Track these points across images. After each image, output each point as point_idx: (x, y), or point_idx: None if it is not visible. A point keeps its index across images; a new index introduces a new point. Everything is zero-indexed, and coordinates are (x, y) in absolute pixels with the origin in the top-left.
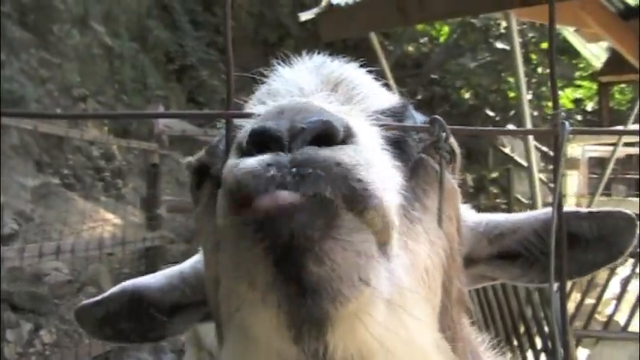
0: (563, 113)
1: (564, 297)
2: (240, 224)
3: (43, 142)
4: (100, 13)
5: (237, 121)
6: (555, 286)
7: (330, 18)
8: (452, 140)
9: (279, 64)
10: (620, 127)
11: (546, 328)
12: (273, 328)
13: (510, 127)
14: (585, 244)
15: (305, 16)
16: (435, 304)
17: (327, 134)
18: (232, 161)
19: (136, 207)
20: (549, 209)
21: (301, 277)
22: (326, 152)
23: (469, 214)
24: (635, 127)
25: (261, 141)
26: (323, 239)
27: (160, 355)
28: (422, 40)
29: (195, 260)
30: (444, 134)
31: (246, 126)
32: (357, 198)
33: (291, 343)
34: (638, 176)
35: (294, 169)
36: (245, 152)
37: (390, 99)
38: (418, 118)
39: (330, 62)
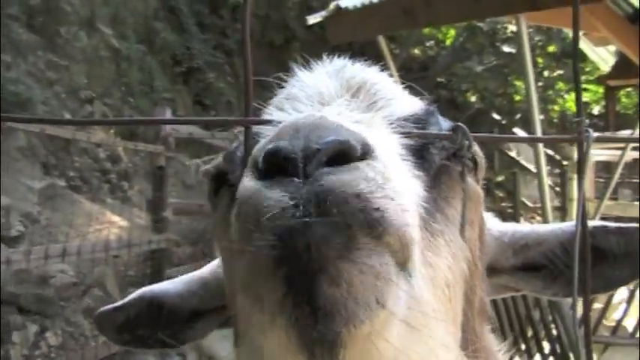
0: (587, 120)
1: (588, 311)
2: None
3: (50, 145)
4: (107, 16)
5: (255, 127)
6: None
7: (338, 21)
8: (476, 149)
9: (298, 67)
10: None
11: (554, 332)
12: (283, 349)
13: (518, 130)
14: (613, 259)
15: (313, 19)
16: (455, 317)
17: (344, 154)
18: (248, 184)
19: (142, 209)
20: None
21: (314, 298)
22: (343, 178)
23: (494, 223)
24: None
25: (276, 162)
26: (340, 259)
27: (166, 358)
28: (428, 44)
29: (216, 265)
30: (466, 142)
31: (261, 142)
32: (374, 225)
33: None
34: None
35: (310, 209)
36: (260, 175)
37: (414, 105)
38: (443, 125)
39: (350, 66)
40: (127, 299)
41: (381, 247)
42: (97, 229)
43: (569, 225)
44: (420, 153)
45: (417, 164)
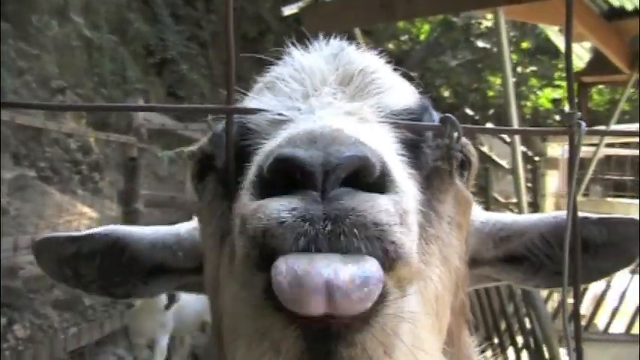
0: (579, 113)
1: (578, 305)
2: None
3: (20, 134)
4: (80, 5)
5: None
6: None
7: (314, 13)
8: (469, 148)
9: (295, 47)
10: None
11: (528, 325)
12: None
13: (491, 126)
14: (594, 250)
15: (288, 10)
16: (442, 331)
17: (362, 172)
18: (253, 201)
19: (113, 201)
20: (558, 213)
21: (331, 357)
22: (362, 204)
23: (476, 213)
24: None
25: (288, 171)
26: (358, 332)
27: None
28: (402, 38)
29: (192, 227)
30: (455, 134)
31: (266, 146)
32: (389, 255)
33: None
34: (615, 177)
35: (327, 227)
36: (268, 183)
37: (408, 98)
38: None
39: (348, 51)
40: (88, 231)
41: (396, 289)
42: (68, 220)
43: (551, 216)
44: (412, 149)
45: (410, 161)
